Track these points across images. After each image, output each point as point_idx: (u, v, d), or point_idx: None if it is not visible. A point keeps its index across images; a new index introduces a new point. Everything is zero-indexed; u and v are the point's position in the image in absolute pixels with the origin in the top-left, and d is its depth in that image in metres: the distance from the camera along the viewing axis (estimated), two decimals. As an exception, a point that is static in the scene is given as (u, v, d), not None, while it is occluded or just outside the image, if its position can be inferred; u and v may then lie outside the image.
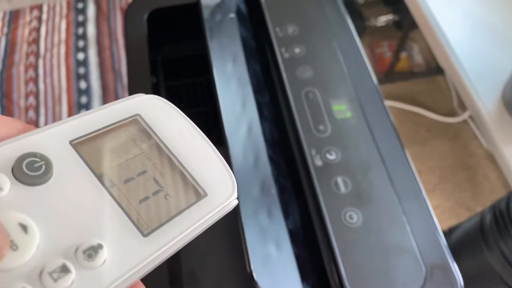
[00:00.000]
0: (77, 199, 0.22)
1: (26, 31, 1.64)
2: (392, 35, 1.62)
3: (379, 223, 0.36)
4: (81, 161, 0.24)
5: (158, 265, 0.23)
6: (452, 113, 1.44)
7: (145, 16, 0.51)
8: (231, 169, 0.25)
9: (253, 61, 0.49)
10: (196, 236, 0.24)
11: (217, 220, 0.25)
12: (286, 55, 0.48)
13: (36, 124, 1.42)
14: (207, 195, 0.25)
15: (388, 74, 1.47)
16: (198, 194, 0.25)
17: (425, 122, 1.41)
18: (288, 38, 0.50)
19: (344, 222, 0.36)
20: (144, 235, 0.23)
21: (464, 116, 1.41)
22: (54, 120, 1.42)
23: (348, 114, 0.44)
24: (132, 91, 0.46)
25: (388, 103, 1.44)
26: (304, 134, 0.42)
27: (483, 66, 0.98)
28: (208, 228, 0.24)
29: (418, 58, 1.55)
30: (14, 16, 1.69)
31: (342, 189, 0.38)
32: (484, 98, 0.93)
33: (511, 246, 0.52)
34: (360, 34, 1.58)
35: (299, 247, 0.38)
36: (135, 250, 0.22)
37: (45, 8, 1.71)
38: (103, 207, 0.23)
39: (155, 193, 0.25)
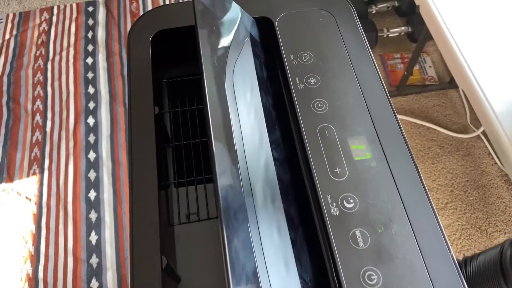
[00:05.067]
0: None
1: (36, 33, 1.63)
2: (405, 47, 1.58)
3: (401, 286, 0.34)
4: None
5: None
6: (465, 129, 1.40)
7: (149, 39, 0.49)
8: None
9: (264, 91, 0.47)
10: None
11: None
12: (301, 86, 0.46)
13: (42, 129, 1.40)
14: None
15: (400, 87, 1.44)
16: None
17: (437, 138, 1.38)
18: (302, 66, 0.47)
19: (362, 283, 0.34)
20: None
21: (478, 132, 1.38)
22: (60, 125, 1.41)
23: (368, 155, 0.41)
24: (133, 120, 0.43)
25: (399, 117, 1.40)
26: (319, 178, 0.39)
27: (499, 82, 0.94)
28: None
29: (431, 71, 1.52)
30: (24, 18, 1.67)
31: (361, 244, 0.36)
32: (500, 115, 0.90)
33: None
34: (372, 45, 1.55)
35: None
36: None
37: (55, 11, 1.70)
38: None
39: None
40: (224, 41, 0.44)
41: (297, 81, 0.46)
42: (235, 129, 0.39)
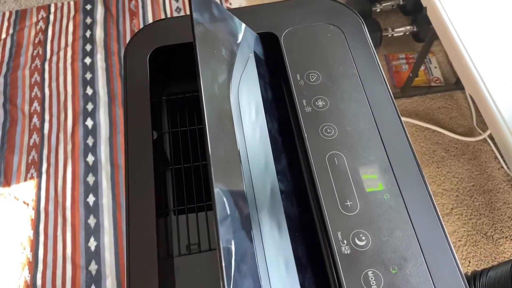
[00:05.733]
0: None
1: (32, 32, 1.60)
2: (410, 47, 1.55)
3: None
4: None
5: None
6: (471, 132, 1.37)
7: (147, 56, 0.46)
8: None
9: (269, 114, 0.44)
10: None
11: None
12: (308, 109, 0.43)
13: (40, 131, 1.38)
14: None
15: (404, 89, 1.41)
16: None
17: (443, 141, 1.35)
18: (310, 87, 0.44)
19: (376, 333, 0.31)
20: None
21: (484, 135, 1.35)
22: (58, 128, 1.38)
23: (381, 186, 0.39)
24: (130, 146, 0.41)
25: (404, 119, 1.38)
26: (329, 212, 0.37)
27: (508, 86, 0.92)
28: None
29: (436, 72, 1.48)
30: (20, 16, 1.64)
31: (374, 286, 0.33)
32: (508, 119, 0.87)
33: None
34: (377, 45, 1.51)
35: None
36: None
37: (52, 9, 1.66)
38: None
39: None
40: (226, 61, 0.41)
41: (304, 103, 0.43)
42: (241, 155, 0.36)
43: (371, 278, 0.34)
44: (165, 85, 0.50)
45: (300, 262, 0.36)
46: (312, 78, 0.45)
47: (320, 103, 0.43)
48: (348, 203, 0.37)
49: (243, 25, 0.46)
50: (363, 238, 0.36)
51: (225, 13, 0.42)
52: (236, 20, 0.44)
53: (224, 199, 0.29)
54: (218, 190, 0.28)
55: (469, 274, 0.82)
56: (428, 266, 0.35)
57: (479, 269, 0.78)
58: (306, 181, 0.41)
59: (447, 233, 0.36)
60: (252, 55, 0.47)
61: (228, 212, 0.29)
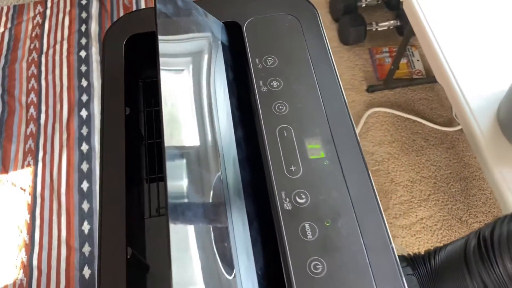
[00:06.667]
0: None
1: (30, 26, 1.65)
2: (394, 41, 1.60)
3: (343, 275, 0.37)
4: None
5: None
6: (450, 122, 1.43)
7: (123, 42, 0.52)
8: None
9: (232, 93, 0.50)
10: None
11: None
12: (264, 89, 0.49)
13: (36, 121, 1.44)
14: None
15: (387, 81, 1.47)
16: None
17: (423, 131, 1.41)
18: (267, 70, 0.50)
19: (308, 272, 0.37)
20: None
21: (461, 126, 1.40)
22: (54, 118, 1.44)
23: (322, 154, 0.45)
24: (105, 120, 0.47)
25: (386, 110, 1.44)
26: (276, 175, 0.42)
27: (479, 83, 0.97)
28: None
29: (419, 65, 1.54)
30: (18, 11, 1.70)
31: (309, 236, 0.39)
32: (478, 116, 0.92)
33: (492, 276, 0.52)
34: (361, 39, 1.57)
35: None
36: None
37: (49, 4, 1.72)
38: None
39: None
40: (191, 48, 0.47)
41: (261, 84, 0.49)
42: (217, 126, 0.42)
43: (308, 229, 0.40)
44: (142, 70, 0.56)
45: (250, 216, 0.42)
46: (269, 62, 0.51)
47: (275, 83, 0.49)
48: (293, 168, 0.43)
49: (209, 15, 0.51)
50: (303, 196, 0.42)
51: (189, 4, 0.47)
52: (201, 10, 0.50)
53: (179, 159, 0.35)
54: (171, 150, 0.34)
55: (431, 250, 0.88)
56: (358, 221, 0.40)
57: (440, 246, 0.84)
58: (260, 150, 0.47)
59: (377, 195, 0.42)
60: (219, 42, 0.53)
61: (183, 171, 0.35)
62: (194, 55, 0.49)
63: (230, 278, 0.37)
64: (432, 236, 1.26)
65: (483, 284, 0.51)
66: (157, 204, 0.50)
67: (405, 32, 1.34)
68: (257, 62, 0.51)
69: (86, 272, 1.19)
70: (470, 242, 0.68)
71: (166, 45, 0.41)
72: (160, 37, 0.40)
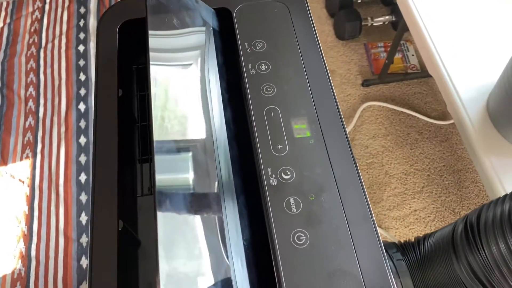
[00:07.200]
0: None
1: (29, 21, 1.67)
2: (389, 36, 1.62)
3: (325, 246, 0.39)
4: None
5: None
6: (444, 116, 1.45)
7: (117, 28, 0.53)
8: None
9: (222, 76, 0.52)
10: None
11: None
12: (252, 72, 0.50)
13: (35, 115, 1.45)
14: None
15: (382, 75, 1.48)
16: None
17: (417, 124, 1.42)
18: (255, 54, 0.52)
19: (292, 243, 0.39)
20: None
21: (452, 116, 1.41)
22: (53, 111, 1.46)
23: (308, 134, 0.46)
24: (98, 103, 0.48)
25: (380, 104, 1.45)
26: (262, 153, 0.44)
27: (470, 75, 0.99)
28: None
29: (413, 60, 1.56)
30: (17, 6, 1.71)
31: (294, 209, 0.41)
32: (468, 106, 0.94)
33: (478, 259, 0.53)
34: (356, 34, 1.58)
35: (250, 265, 0.41)
36: None
37: (47, -1, 1.73)
38: None
39: None
40: (182, 33, 0.49)
41: (250, 67, 0.51)
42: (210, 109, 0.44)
43: (292, 203, 0.41)
44: (135, 55, 0.58)
45: (238, 191, 0.43)
46: (258, 46, 0.52)
47: (263, 67, 0.51)
48: (279, 146, 0.45)
49: (200, 2, 0.53)
50: (288, 173, 0.43)
51: (181, -10, 0.49)
52: (192, -4, 0.51)
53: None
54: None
55: (421, 236, 0.89)
56: (341, 195, 0.42)
57: (430, 232, 0.86)
58: (249, 130, 0.48)
59: (359, 172, 0.43)
60: (211, 28, 0.55)
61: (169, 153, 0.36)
62: (185, 40, 0.50)
63: (221, 247, 0.38)
64: (425, 227, 1.27)
65: (469, 267, 0.52)
66: (150, 183, 0.52)
67: (399, 26, 1.35)
68: (246, 46, 0.52)
69: (84, 262, 1.21)
70: (457, 227, 0.70)
71: (156, 30, 0.43)
72: (150, 21, 0.41)
